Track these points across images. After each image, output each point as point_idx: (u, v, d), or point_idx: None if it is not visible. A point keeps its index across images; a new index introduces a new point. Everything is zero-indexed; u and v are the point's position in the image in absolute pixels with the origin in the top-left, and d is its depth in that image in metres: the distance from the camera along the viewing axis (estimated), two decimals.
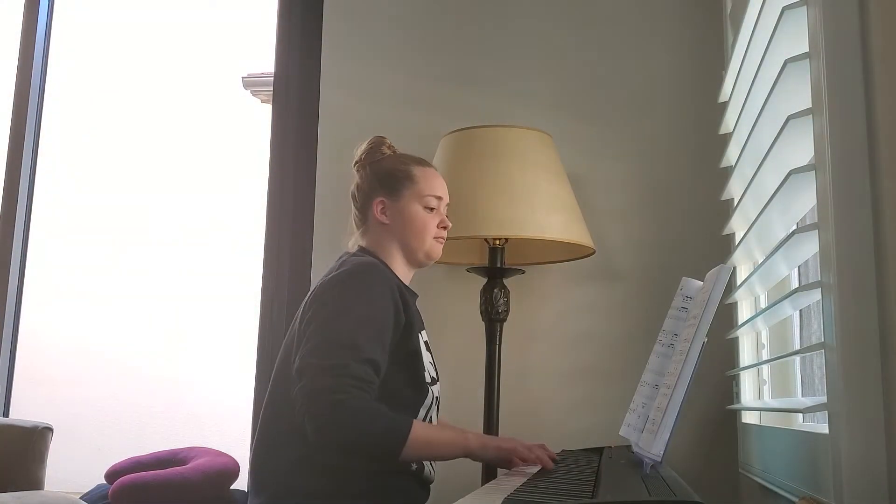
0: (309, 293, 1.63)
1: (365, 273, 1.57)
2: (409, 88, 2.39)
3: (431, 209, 1.69)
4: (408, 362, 1.58)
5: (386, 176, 1.70)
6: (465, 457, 1.54)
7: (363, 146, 1.75)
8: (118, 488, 2.03)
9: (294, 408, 1.45)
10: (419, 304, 1.74)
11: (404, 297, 1.60)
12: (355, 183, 1.75)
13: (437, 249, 1.71)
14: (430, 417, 1.63)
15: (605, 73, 2.32)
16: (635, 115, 2.28)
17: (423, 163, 1.75)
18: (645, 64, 2.30)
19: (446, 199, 1.74)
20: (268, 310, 2.41)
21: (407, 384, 1.57)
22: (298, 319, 1.58)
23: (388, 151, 1.74)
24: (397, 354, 1.55)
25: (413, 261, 1.70)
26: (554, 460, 1.49)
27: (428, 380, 1.62)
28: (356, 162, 1.75)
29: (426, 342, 1.68)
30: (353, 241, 1.73)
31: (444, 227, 1.72)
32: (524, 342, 2.23)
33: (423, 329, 1.70)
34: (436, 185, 1.71)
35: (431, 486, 1.65)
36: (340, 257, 1.69)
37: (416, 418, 1.54)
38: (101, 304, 6.46)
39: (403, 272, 1.69)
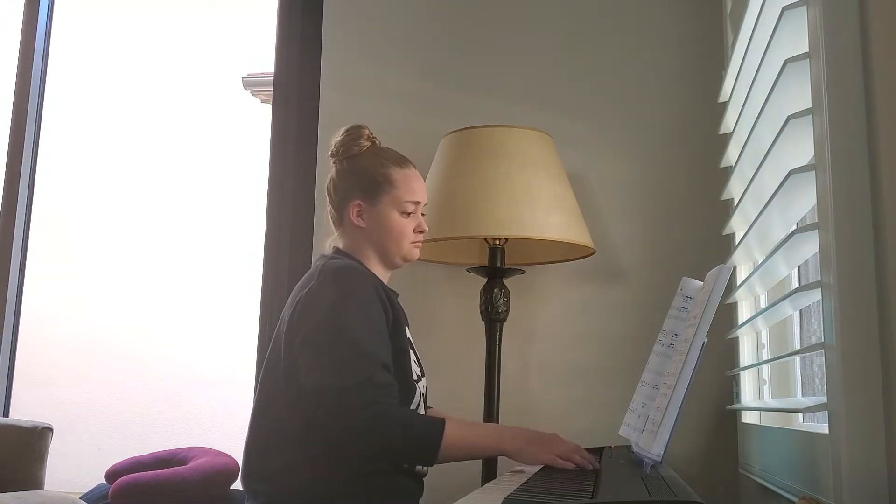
0: (292, 301, 1.58)
1: (349, 277, 1.54)
2: (409, 88, 2.39)
3: (409, 213, 1.66)
4: (396, 361, 1.55)
5: (363, 177, 1.64)
6: (502, 455, 1.53)
7: (339, 136, 1.68)
8: (118, 488, 2.03)
9: (322, 428, 1.45)
10: (410, 301, 1.73)
11: (388, 295, 1.60)
12: (331, 177, 1.69)
13: (415, 253, 1.68)
14: None
15: (605, 73, 2.32)
16: (635, 115, 2.28)
17: (402, 163, 1.67)
18: (645, 64, 2.30)
19: (424, 201, 1.70)
20: (268, 310, 2.41)
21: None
22: (285, 330, 1.55)
23: (366, 144, 1.67)
24: None
25: (389, 264, 1.68)
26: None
27: (414, 377, 1.61)
28: (332, 153, 1.69)
29: (409, 339, 1.66)
30: (331, 242, 1.71)
31: (421, 232, 1.68)
32: (524, 342, 2.23)
33: (408, 325, 1.68)
34: (415, 190, 1.66)
35: (430, 484, 1.65)
36: (317, 261, 1.66)
37: None
38: (101, 304, 6.46)
39: (380, 273, 1.67)
